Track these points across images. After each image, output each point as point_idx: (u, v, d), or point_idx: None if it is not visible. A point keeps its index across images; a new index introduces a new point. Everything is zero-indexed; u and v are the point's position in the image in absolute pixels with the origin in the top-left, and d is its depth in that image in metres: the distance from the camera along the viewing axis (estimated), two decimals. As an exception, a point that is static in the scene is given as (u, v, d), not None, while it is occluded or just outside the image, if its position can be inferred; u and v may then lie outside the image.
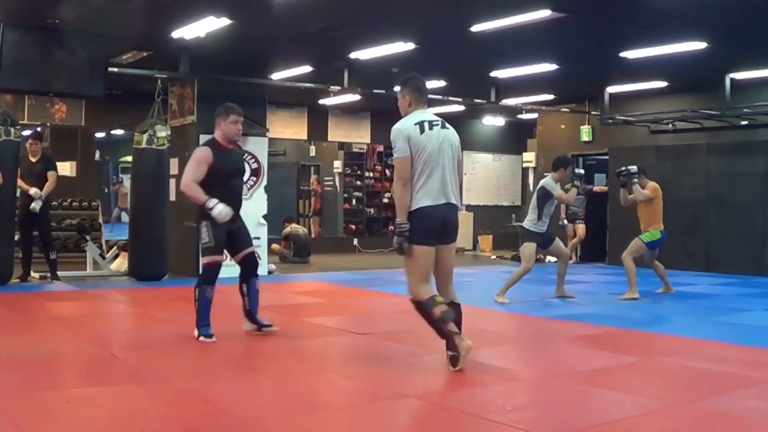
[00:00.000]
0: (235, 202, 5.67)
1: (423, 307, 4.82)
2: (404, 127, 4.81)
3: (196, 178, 5.55)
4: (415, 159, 4.73)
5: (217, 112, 5.82)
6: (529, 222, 8.23)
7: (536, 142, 15.27)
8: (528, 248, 8.13)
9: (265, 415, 3.87)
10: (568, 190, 8.39)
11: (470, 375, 5.02)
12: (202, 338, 5.57)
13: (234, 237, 5.72)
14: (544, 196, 8.11)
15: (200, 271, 5.78)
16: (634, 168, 8.69)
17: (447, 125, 4.97)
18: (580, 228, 13.41)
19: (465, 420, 3.82)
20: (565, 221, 13.47)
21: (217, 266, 5.62)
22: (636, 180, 8.63)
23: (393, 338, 5.98)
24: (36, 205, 8.71)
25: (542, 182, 8.29)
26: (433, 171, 4.75)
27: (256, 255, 6.01)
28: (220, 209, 5.45)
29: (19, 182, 8.79)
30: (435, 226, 4.77)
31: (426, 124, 4.82)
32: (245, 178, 10.23)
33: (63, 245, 10.43)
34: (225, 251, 5.76)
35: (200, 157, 5.61)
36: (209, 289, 5.57)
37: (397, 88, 5.10)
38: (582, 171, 8.63)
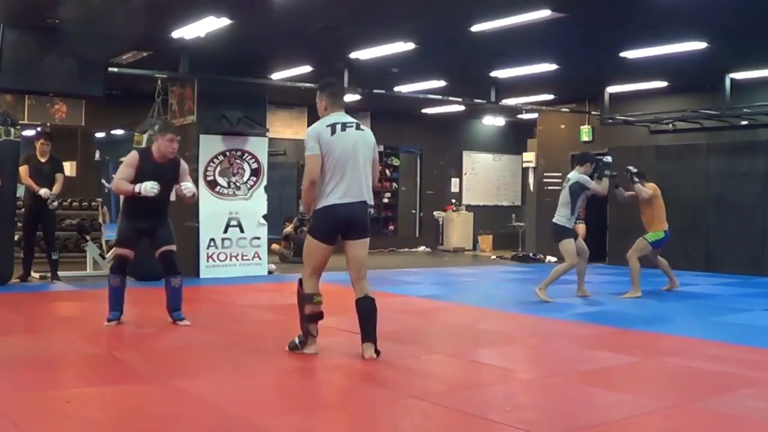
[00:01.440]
0: (150, 207, 6.08)
1: (301, 297, 5.18)
2: (316, 128, 5.07)
3: (125, 177, 6.02)
4: (326, 159, 4.95)
5: (157, 127, 6.25)
6: (562, 218, 8.26)
7: (536, 142, 15.26)
8: (568, 245, 8.17)
9: (265, 415, 3.86)
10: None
11: (470, 375, 5.03)
12: (105, 323, 6.08)
13: (151, 235, 6.17)
14: (578, 190, 8.21)
15: None
16: (633, 168, 8.73)
17: (362, 127, 5.18)
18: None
19: (465, 420, 3.82)
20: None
21: (121, 259, 6.17)
22: (637, 180, 8.67)
23: (393, 338, 5.96)
24: (55, 203, 8.80)
25: (574, 178, 8.31)
26: (345, 170, 4.95)
27: (174, 255, 6.25)
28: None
29: (28, 181, 8.80)
30: (339, 223, 4.98)
31: (339, 126, 5.03)
32: (245, 178, 10.42)
33: (63, 245, 10.43)
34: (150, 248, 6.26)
35: (129, 162, 6.07)
36: (113, 278, 6.15)
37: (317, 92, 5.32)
38: (610, 159, 8.49)
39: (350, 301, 8.29)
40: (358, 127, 5.13)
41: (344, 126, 5.05)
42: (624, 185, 9.04)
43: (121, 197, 6.59)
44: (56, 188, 8.88)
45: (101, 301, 7.24)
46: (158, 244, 6.16)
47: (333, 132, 4.99)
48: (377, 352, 5.02)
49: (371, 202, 5.10)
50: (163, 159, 6.06)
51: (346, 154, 4.96)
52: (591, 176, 8.40)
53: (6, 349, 5.21)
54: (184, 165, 6.28)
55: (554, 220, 8.38)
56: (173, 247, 6.22)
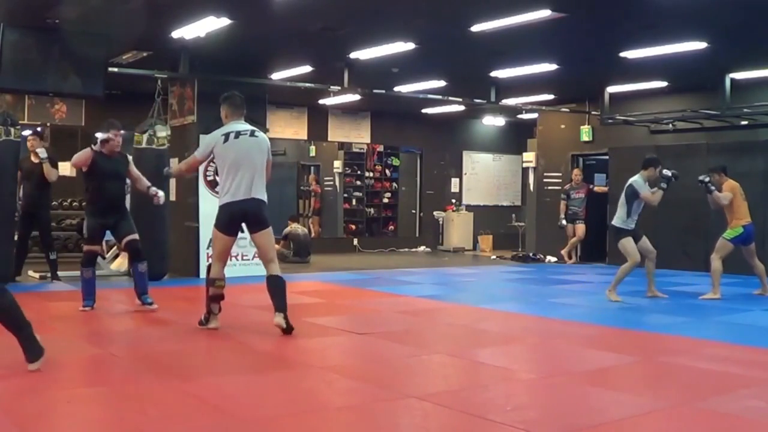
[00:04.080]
0: (111, 201, 6.90)
1: (207, 280, 6.02)
2: (213, 136, 5.92)
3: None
4: (221, 163, 5.82)
5: (102, 126, 7.00)
6: (618, 220, 8.29)
7: (536, 142, 15.26)
8: (627, 244, 8.21)
9: (265, 415, 3.86)
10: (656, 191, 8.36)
11: (470, 375, 5.04)
12: (80, 308, 6.82)
13: (114, 228, 6.97)
14: (633, 194, 8.20)
15: None
16: (704, 177, 8.63)
17: (257, 134, 5.96)
18: (580, 228, 13.41)
19: (465, 420, 3.82)
20: (564, 221, 13.47)
21: (90, 254, 6.92)
22: (713, 188, 8.58)
23: (393, 338, 5.97)
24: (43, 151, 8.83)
25: (631, 180, 8.30)
26: (238, 172, 5.72)
27: (138, 243, 6.98)
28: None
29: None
30: (235, 217, 5.80)
31: (233, 134, 5.83)
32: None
33: (63, 245, 10.43)
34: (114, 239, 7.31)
35: (81, 153, 6.89)
36: (85, 271, 6.87)
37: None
38: (669, 173, 8.34)
39: (351, 302, 8.33)
40: (252, 134, 5.89)
41: (238, 134, 5.82)
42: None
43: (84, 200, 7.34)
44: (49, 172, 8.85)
45: (102, 301, 7.28)
46: (123, 235, 6.94)
47: (226, 140, 5.79)
48: (288, 325, 5.74)
49: (264, 198, 5.85)
50: (113, 154, 6.88)
51: (238, 159, 5.73)
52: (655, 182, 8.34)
53: (6, 349, 5.20)
54: (129, 158, 7.17)
55: (612, 221, 8.48)
56: (136, 236, 6.95)
